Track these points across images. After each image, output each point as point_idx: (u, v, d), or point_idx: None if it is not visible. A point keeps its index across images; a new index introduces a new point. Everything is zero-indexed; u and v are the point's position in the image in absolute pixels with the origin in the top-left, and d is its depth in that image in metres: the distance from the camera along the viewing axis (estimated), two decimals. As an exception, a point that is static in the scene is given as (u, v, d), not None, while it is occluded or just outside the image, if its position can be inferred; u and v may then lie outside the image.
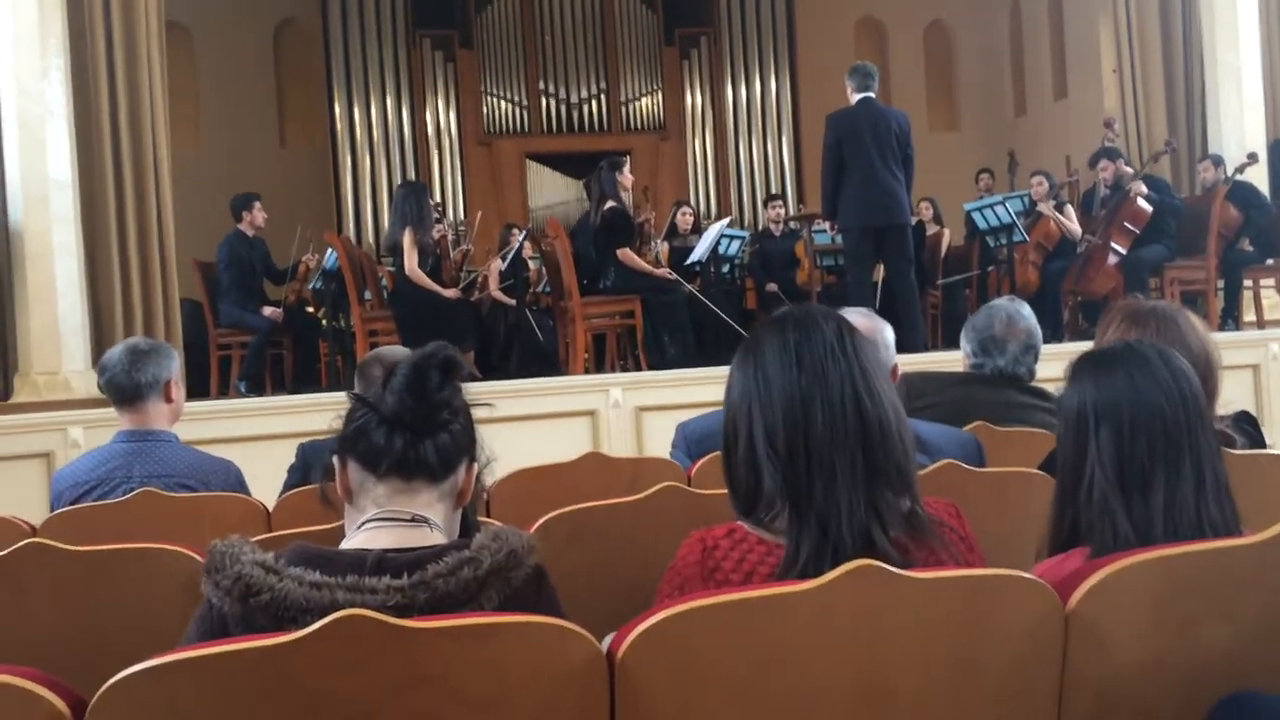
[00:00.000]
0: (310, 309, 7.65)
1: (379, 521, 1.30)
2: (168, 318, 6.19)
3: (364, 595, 1.16)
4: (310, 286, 7.36)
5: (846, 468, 1.32)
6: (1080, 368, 1.54)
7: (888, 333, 2.32)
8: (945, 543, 1.39)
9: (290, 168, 11.08)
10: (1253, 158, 6.88)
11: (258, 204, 6.85)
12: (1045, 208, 7.12)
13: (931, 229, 8.26)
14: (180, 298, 6.38)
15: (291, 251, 7.30)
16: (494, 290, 7.68)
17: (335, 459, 1.35)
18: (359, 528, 1.31)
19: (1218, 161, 6.97)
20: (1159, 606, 1.30)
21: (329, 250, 6.62)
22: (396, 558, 1.23)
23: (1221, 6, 7.31)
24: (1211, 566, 1.30)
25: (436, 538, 1.31)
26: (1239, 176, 6.85)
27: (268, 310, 6.80)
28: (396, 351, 1.33)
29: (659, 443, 4.48)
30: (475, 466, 1.41)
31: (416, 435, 1.31)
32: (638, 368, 6.33)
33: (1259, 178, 7.05)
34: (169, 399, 2.72)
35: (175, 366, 2.76)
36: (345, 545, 1.30)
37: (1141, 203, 6.51)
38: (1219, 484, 1.44)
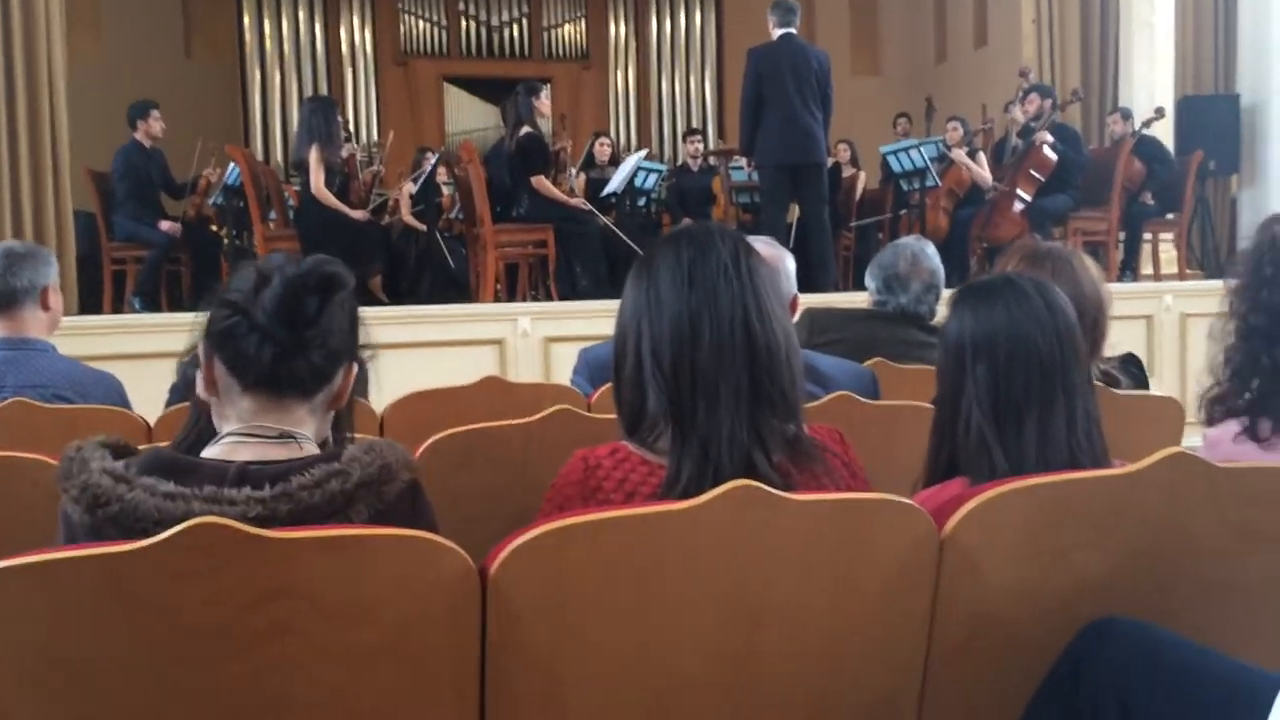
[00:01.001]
0: (212, 226, 7.40)
1: (242, 436, 1.24)
2: (60, 229, 5.92)
3: (222, 506, 1.10)
4: (211, 202, 7.10)
5: (731, 391, 1.30)
6: (961, 299, 1.55)
7: (789, 262, 2.31)
8: (828, 468, 1.39)
9: (196, 80, 10.65)
10: (1160, 112, 7.01)
11: (155, 113, 6.56)
12: (958, 154, 7.18)
13: (848, 171, 8.30)
14: (74, 209, 6.11)
15: (193, 165, 7.03)
16: (405, 215, 7.51)
17: (200, 348, 1.27)
18: (219, 439, 1.25)
19: (1127, 115, 7.09)
20: (1032, 534, 1.31)
21: (231, 165, 6.39)
22: (260, 470, 1.17)
23: (1140, -38, 7.42)
24: (1084, 496, 1.32)
25: (306, 449, 1.26)
26: (1146, 131, 6.99)
27: (165, 224, 6.55)
28: (272, 261, 1.24)
29: (567, 374, 4.45)
30: (354, 367, 1.33)
31: (288, 351, 1.23)
32: (549, 298, 6.28)
33: (1165, 133, 7.20)
34: (46, 306, 2.60)
35: (53, 273, 2.64)
36: (206, 454, 1.24)
37: (1047, 151, 6.60)
38: (1089, 419, 1.46)
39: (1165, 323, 5.79)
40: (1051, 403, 1.44)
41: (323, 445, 1.31)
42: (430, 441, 1.90)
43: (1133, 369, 2.32)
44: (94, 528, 1.11)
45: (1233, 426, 1.62)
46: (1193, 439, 2.06)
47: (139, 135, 6.56)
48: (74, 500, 1.12)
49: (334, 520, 1.15)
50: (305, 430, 1.27)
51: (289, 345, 1.23)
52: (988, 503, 1.28)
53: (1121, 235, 6.98)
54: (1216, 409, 1.68)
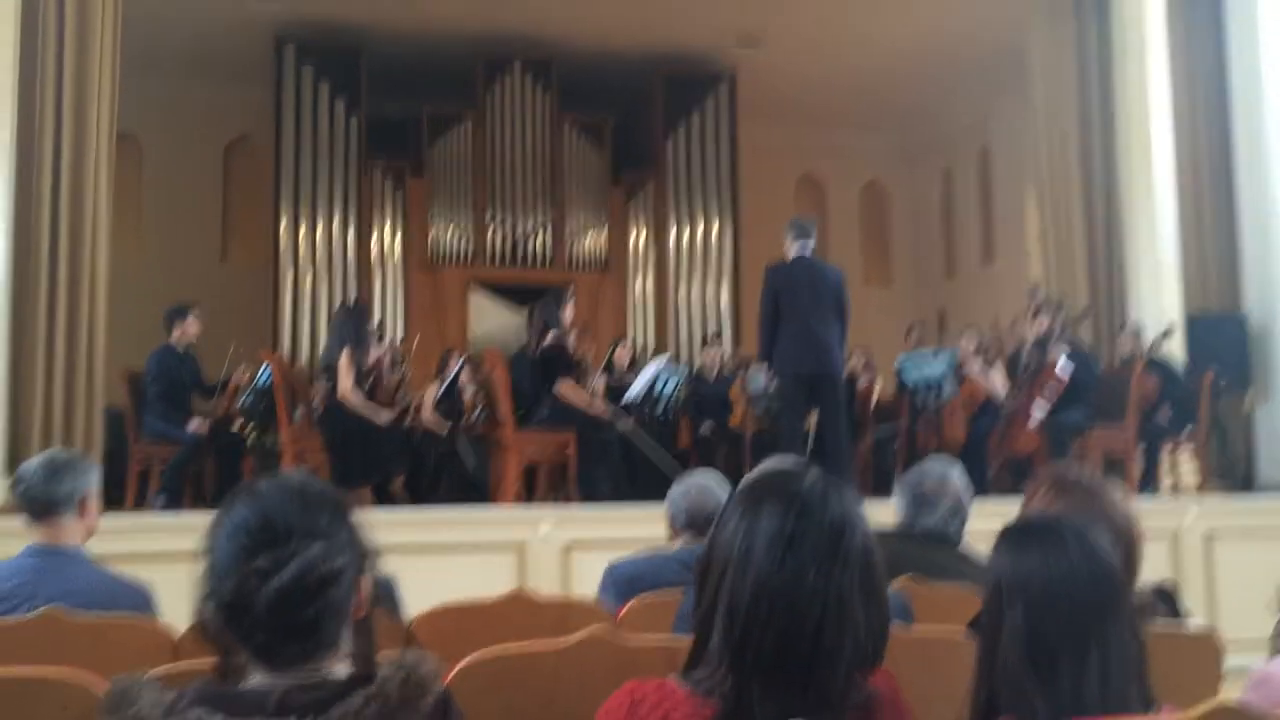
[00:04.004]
0: (241, 425, 7.49)
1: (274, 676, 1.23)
2: (88, 426, 6.06)
3: None
4: (239, 403, 7.23)
5: (781, 683, 1.29)
6: (1002, 539, 1.57)
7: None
8: None
9: (230, 283, 11.02)
10: (1167, 334, 7.14)
11: (192, 315, 6.75)
12: (971, 369, 7.31)
13: (862, 380, 8.41)
14: (106, 406, 6.25)
15: (224, 368, 7.20)
16: (426, 416, 7.63)
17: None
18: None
19: (1136, 333, 7.23)
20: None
21: (264, 366, 6.55)
22: (299, 697, 1.18)
23: (1138, 181, 7.65)
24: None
25: (339, 668, 1.25)
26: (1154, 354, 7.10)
27: (192, 424, 6.66)
28: (271, 512, 1.25)
29: (587, 580, 4.40)
30: (367, 578, 1.31)
31: (295, 642, 1.22)
32: (568, 502, 6.29)
33: (1175, 348, 7.31)
34: (84, 514, 2.64)
35: (94, 480, 2.69)
36: (248, 684, 1.23)
37: (1060, 371, 6.71)
38: (1126, 668, 1.44)
39: (1189, 542, 5.72)
40: (1084, 650, 1.43)
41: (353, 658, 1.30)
42: (461, 665, 1.89)
43: (1160, 603, 2.30)
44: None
45: None
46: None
47: (173, 338, 6.74)
48: None
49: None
50: (337, 665, 1.26)
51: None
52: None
53: (1140, 449, 7.00)
54: None
